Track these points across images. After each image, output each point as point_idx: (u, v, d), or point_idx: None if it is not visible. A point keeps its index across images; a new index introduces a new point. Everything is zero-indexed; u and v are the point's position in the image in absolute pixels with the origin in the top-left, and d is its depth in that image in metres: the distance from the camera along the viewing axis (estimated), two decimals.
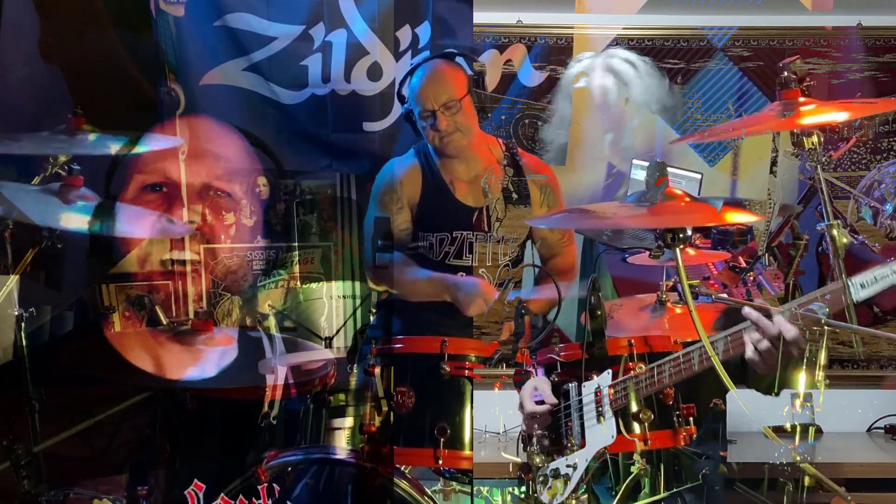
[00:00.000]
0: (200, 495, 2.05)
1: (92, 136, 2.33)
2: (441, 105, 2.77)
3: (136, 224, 2.52)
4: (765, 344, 1.83)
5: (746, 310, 1.85)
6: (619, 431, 2.03)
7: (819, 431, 3.06)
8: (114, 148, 2.36)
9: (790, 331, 1.81)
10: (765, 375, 1.88)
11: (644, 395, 2.03)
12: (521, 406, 2.21)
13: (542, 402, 2.16)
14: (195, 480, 2.06)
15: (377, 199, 2.94)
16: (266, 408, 2.32)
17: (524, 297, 2.53)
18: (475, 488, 2.28)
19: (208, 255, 2.95)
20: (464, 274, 2.88)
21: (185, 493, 2.04)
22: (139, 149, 2.54)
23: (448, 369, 2.15)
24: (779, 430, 3.06)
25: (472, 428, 2.17)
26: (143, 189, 2.81)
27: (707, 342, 1.90)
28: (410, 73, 2.87)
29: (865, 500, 2.64)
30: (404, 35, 3.11)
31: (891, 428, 3.49)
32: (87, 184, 2.31)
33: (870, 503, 2.84)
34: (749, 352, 1.86)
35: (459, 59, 2.93)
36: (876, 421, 3.50)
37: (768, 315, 1.82)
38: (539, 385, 2.18)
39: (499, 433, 3.10)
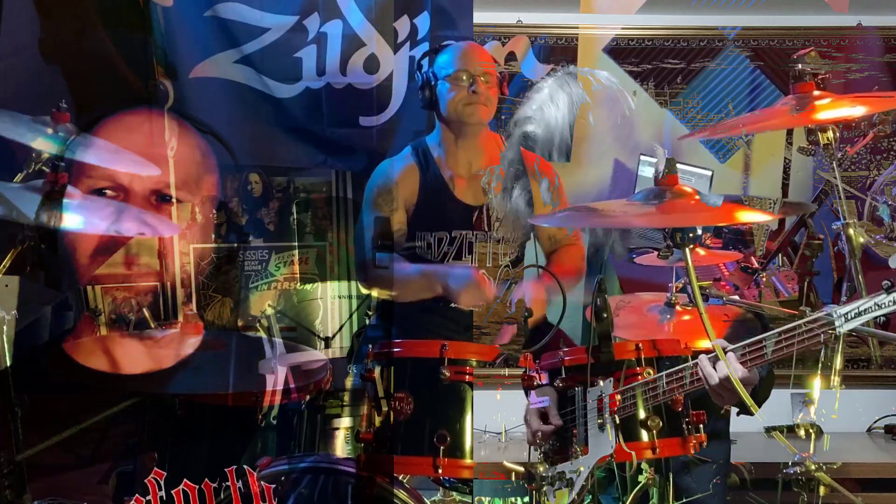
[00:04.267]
0: (161, 482, 2.03)
1: (66, 135, 2.26)
2: (482, 72, 2.85)
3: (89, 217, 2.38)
4: (714, 383, 1.86)
5: (700, 357, 1.88)
6: (617, 441, 1.97)
7: (818, 432, 3.03)
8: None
9: (738, 371, 1.82)
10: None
11: (648, 406, 1.97)
12: (525, 419, 2.15)
13: (545, 418, 2.11)
14: (154, 468, 2.03)
15: (371, 202, 2.92)
16: (265, 409, 2.25)
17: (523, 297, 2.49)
18: (476, 498, 2.22)
19: (198, 255, 2.88)
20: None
21: (146, 481, 2.01)
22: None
23: (448, 374, 2.09)
24: (776, 429, 3.02)
25: (472, 435, 2.10)
26: (90, 193, 2.63)
27: (717, 346, 1.85)
28: (437, 50, 2.90)
29: (865, 501, 2.60)
30: (402, 26, 3.06)
31: (891, 428, 3.46)
32: None
33: (870, 503, 2.80)
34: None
35: None
36: (876, 421, 3.48)
37: (715, 360, 1.84)
38: (544, 394, 2.11)
39: (499, 433, 3.04)
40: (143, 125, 2.76)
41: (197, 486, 2.02)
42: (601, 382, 2.04)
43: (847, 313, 1.70)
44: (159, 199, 2.78)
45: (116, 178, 2.68)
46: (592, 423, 2.02)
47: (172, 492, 2.03)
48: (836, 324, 1.70)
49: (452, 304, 2.69)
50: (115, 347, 2.38)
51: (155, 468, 2.03)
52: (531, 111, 2.71)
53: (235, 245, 2.98)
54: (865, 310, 1.68)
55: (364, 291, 2.94)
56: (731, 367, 1.81)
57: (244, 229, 3.02)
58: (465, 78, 2.83)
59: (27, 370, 2.24)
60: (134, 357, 2.32)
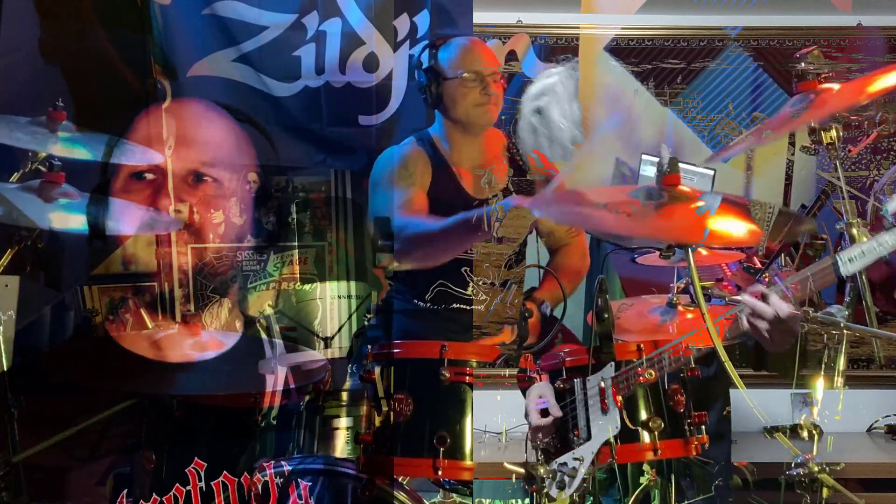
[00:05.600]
0: (201, 473, 2.02)
1: (65, 134, 2.25)
2: (491, 72, 2.86)
3: (124, 219, 2.55)
4: (764, 324, 1.85)
5: (744, 296, 1.88)
6: (622, 422, 1.96)
7: (820, 433, 3.03)
8: (84, 152, 2.28)
9: (784, 309, 1.83)
10: (779, 354, 1.91)
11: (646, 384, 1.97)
12: (526, 416, 2.13)
13: (546, 413, 2.09)
14: (195, 458, 2.03)
15: (388, 179, 2.88)
16: (265, 410, 2.26)
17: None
18: (476, 499, 2.20)
19: (196, 255, 2.87)
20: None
21: (186, 471, 2.01)
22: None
23: (448, 375, 2.07)
24: (777, 430, 3.00)
25: (472, 437, 2.08)
26: (130, 177, 2.78)
27: (720, 348, 1.84)
28: (436, 45, 2.87)
29: (867, 501, 2.59)
30: (402, 24, 3.04)
31: (892, 428, 3.44)
32: (68, 180, 2.23)
33: (870, 503, 2.79)
34: (750, 331, 1.88)
35: None
36: (877, 421, 3.46)
37: (764, 298, 1.84)
38: (544, 392, 2.09)
39: (500, 433, 3.02)
40: None
41: (237, 480, 2.02)
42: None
43: (852, 256, 1.76)
44: (196, 179, 2.86)
45: (153, 160, 2.78)
46: (595, 408, 2.01)
47: (212, 483, 2.03)
48: (841, 269, 1.77)
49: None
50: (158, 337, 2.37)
51: (196, 459, 2.04)
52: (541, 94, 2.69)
53: (233, 244, 2.97)
54: (869, 249, 1.74)
55: (395, 267, 2.89)
56: (780, 304, 1.82)
57: (242, 228, 3.00)
58: (475, 79, 2.83)
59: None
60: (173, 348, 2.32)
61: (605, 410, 1.98)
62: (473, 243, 2.79)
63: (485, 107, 2.86)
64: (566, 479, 1.98)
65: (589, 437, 2.00)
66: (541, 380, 2.17)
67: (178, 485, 2.02)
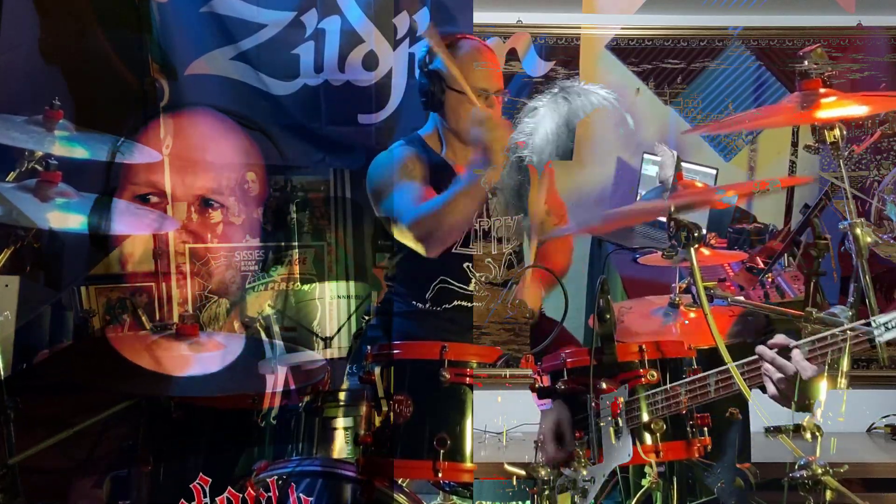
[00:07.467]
0: (206, 489, 2.00)
1: (62, 133, 2.24)
2: (496, 90, 2.76)
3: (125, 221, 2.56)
4: (783, 382, 1.78)
5: (760, 349, 1.80)
6: (634, 447, 1.94)
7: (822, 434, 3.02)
8: (83, 151, 2.27)
9: (808, 370, 1.75)
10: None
11: (661, 416, 1.93)
12: (541, 443, 2.10)
13: (561, 440, 2.05)
14: (201, 473, 2.00)
15: (390, 181, 2.78)
16: (264, 411, 2.26)
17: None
18: (477, 501, 2.19)
19: (194, 255, 2.87)
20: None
21: (192, 486, 1.99)
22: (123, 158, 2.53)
23: (448, 377, 2.05)
24: (780, 431, 2.99)
25: (473, 438, 2.07)
26: (135, 198, 2.80)
27: (723, 348, 1.82)
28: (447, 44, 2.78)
29: (867, 501, 2.59)
30: (402, 22, 3.03)
31: (892, 428, 3.46)
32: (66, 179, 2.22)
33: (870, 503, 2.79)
34: (769, 388, 1.81)
35: None
36: (878, 420, 3.47)
37: (785, 352, 1.76)
38: (562, 422, 2.07)
39: (500, 434, 3.01)
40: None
41: (241, 496, 2.00)
42: (604, 384, 2.01)
43: (888, 322, 1.66)
44: (203, 205, 2.88)
45: (159, 185, 2.82)
46: (606, 430, 1.98)
47: (217, 499, 2.00)
48: (876, 333, 1.67)
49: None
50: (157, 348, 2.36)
51: (201, 474, 2.00)
52: (526, 134, 2.61)
53: (232, 245, 2.97)
54: None
55: (414, 246, 2.80)
56: (804, 364, 1.74)
57: (240, 229, 3.00)
58: (479, 95, 2.71)
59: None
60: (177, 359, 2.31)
61: (618, 435, 1.96)
62: (480, 201, 2.65)
63: (487, 123, 2.73)
64: (577, 498, 1.96)
65: (601, 459, 1.97)
66: (542, 381, 2.15)
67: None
